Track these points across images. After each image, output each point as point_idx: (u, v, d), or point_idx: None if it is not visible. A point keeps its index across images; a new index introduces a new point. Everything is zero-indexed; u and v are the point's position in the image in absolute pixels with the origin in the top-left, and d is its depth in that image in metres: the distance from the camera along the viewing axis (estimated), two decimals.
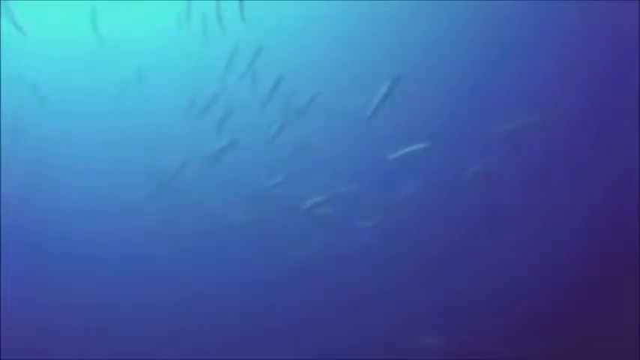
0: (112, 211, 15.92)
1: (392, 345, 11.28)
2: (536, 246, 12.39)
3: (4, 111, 13.91)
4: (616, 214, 11.34)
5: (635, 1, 10.78)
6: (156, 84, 14.80)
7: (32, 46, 13.48)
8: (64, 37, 13.43)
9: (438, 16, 13.06)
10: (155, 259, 15.73)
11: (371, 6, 12.93)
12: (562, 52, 12.85)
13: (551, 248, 12.12)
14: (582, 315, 10.20)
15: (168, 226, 15.45)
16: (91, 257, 15.56)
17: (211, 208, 15.55)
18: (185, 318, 14.32)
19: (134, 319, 14.33)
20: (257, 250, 14.98)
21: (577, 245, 11.56)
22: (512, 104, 13.96)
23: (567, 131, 13.28)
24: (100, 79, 14.55)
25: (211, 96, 9.91)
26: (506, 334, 10.63)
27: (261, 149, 14.13)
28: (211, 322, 14.19)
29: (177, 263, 15.74)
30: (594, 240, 11.35)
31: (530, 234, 12.77)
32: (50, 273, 15.00)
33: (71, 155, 15.59)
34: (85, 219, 15.81)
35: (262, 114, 12.05)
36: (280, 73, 8.74)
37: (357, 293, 13.71)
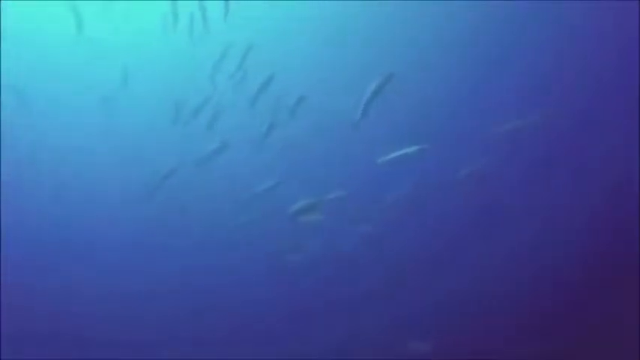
0: (100, 211, 15.94)
1: (385, 347, 11.25)
2: (536, 246, 12.38)
3: None
4: (616, 214, 11.32)
5: (635, 1, 10.78)
6: (143, 85, 14.78)
7: (20, 47, 13.45)
8: (51, 38, 13.41)
9: (434, 15, 13.03)
10: (145, 261, 15.77)
11: (365, 5, 12.87)
12: (562, 52, 12.85)
13: (551, 248, 12.11)
14: (582, 315, 10.19)
15: (157, 227, 15.44)
16: (80, 258, 15.60)
17: (200, 209, 15.53)
18: (179, 314, 14.36)
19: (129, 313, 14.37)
20: (246, 253, 14.94)
21: (577, 245, 11.55)
22: (512, 104, 13.96)
23: (567, 131, 13.27)
24: (88, 80, 14.53)
25: (199, 97, 9.89)
26: (505, 335, 10.61)
27: (251, 150, 14.06)
28: (199, 318, 14.28)
29: (171, 260, 15.77)
30: (594, 240, 11.33)
31: (529, 234, 12.75)
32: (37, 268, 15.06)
33: (55, 154, 15.59)
34: (71, 219, 15.83)
35: (252, 115, 11.97)
36: (270, 73, 8.69)
37: (347, 295, 13.72)
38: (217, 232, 15.26)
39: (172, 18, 8.64)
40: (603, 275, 10.56)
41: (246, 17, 12.88)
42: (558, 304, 10.78)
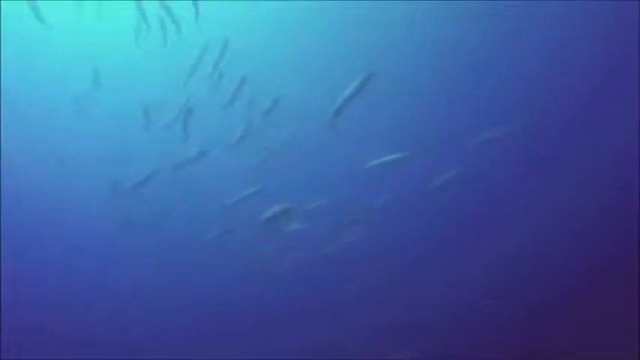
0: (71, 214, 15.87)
1: (369, 353, 11.17)
2: (536, 246, 12.37)
3: None
4: (616, 214, 11.32)
5: (636, 0, 10.78)
6: (116, 87, 14.54)
7: None
8: (22, 38, 13.22)
9: (416, 15, 12.85)
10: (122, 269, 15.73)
11: (345, 4, 12.62)
12: (561, 52, 12.85)
13: (550, 248, 12.10)
14: (582, 315, 10.18)
15: (133, 231, 15.34)
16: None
17: (178, 216, 15.44)
18: (163, 316, 14.39)
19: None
20: (225, 259, 14.85)
21: (577, 245, 11.54)
22: (511, 104, 13.94)
23: (567, 132, 13.27)
24: (61, 83, 14.33)
25: (174, 99, 9.78)
26: (505, 334, 10.60)
27: (228, 154, 13.80)
28: (182, 320, 14.32)
29: (152, 262, 15.75)
30: (594, 240, 11.33)
31: (529, 234, 12.75)
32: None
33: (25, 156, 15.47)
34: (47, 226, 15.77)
35: (228, 118, 11.70)
36: (244, 75, 8.62)
37: (330, 300, 13.70)
38: (196, 240, 15.17)
39: (142, 20, 8.51)
40: (603, 275, 10.55)
41: (220, 17, 12.59)
42: (558, 305, 10.77)
